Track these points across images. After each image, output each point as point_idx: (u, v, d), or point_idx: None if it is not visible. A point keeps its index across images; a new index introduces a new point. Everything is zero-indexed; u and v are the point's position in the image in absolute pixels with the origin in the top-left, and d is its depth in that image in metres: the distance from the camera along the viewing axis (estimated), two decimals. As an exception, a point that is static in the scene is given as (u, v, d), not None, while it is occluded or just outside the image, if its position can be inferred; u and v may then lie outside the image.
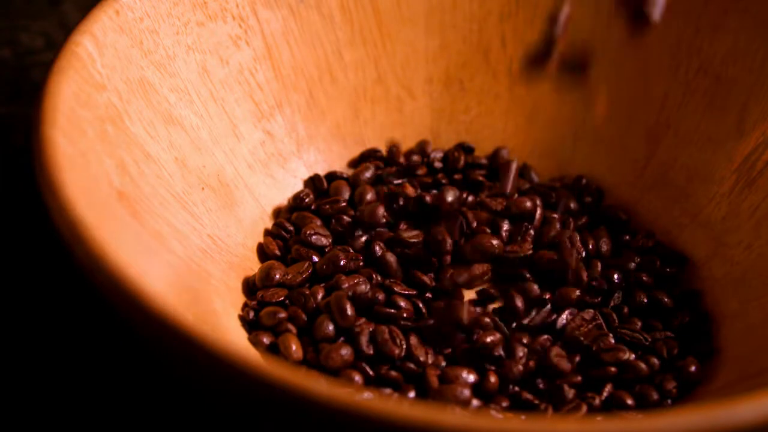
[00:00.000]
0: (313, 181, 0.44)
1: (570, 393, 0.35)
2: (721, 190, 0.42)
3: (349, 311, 0.37)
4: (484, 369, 0.36)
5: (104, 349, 0.38)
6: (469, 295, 0.40)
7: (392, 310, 0.37)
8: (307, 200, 0.43)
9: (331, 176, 0.45)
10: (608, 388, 0.36)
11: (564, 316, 0.38)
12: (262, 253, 0.41)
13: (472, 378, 0.35)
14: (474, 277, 0.40)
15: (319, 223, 0.42)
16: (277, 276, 0.39)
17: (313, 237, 0.41)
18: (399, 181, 0.44)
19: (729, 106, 0.42)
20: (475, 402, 0.35)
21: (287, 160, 0.44)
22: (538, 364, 0.36)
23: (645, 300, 0.40)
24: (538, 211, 0.42)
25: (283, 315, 0.38)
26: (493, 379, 0.36)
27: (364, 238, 0.41)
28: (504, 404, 0.35)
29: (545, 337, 0.37)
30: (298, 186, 0.45)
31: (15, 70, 0.54)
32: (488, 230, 0.41)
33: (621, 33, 0.45)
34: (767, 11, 0.42)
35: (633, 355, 0.37)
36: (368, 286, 0.39)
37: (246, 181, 0.42)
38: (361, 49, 0.46)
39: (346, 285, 0.38)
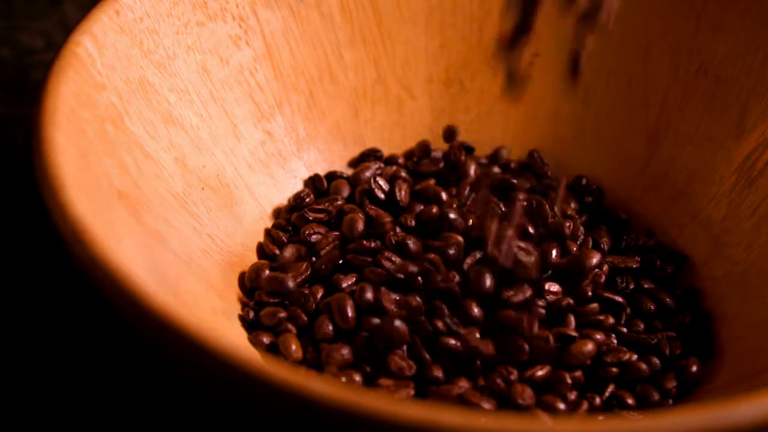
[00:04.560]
0: (313, 181, 0.44)
1: (571, 394, 0.35)
2: (721, 190, 0.42)
3: (350, 313, 0.37)
4: (475, 375, 0.36)
5: (104, 349, 0.38)
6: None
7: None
8: (307, 200, 0.43)
9: (331, 176, 0.45)
10: (610, 388, 0.36)
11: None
12: (262, 253, 0.41)
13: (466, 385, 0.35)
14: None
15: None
16: (267, 273, 0.39)
17: (313, 237, 0.41)
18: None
19: (729, 106, 0.42)
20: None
21: (287, 160, 0.44)
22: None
23: (649, 302, 0.39)
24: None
25: (283, 315, 0.38)
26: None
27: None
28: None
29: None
30: (298, 186, 0.45)
31: (15, 70, 0.54)
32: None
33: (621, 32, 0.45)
34: (767, 11, 0.42)
35: (635, 356, 0.37)
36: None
37: (246, 181, 0.42)
38: (361, 49, 0.46)
39: (345, 285, 0.38)
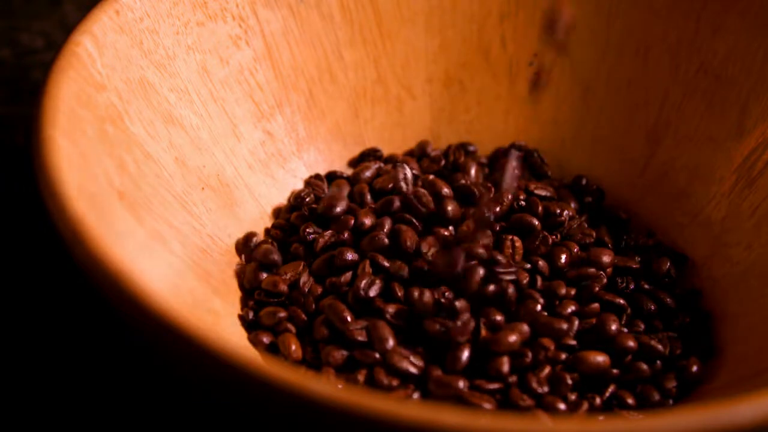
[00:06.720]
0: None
1: (571, 394, 0.35)
2: (721, 190, 0.42)
3: (349, 317, 0.37)
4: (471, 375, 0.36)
5: (104, 349, 0.38)
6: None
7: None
8: (307, 200, 0.43)
9: (332, 176, 0.45)
10: (611, 388, 0.36)
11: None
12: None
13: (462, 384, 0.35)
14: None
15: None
16: (265, 275, 0.39)
17: (311, 236, 0.41)
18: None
19: (729, 106, 0.42)
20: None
21: (287, 160, 0.44)
22: None
23: (649, 302, 0.39)
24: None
25: (282, 315, 0.38)
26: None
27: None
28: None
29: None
30: (298, 186, 0.45)
31: (15, 70, 0.54)
32: None
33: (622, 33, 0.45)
34: (767, 11, 0.42)
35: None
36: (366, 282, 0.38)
37: (246, 181, 0.42)
38: (361, 49, 0.46)
39: (342, 280, 0.38)
